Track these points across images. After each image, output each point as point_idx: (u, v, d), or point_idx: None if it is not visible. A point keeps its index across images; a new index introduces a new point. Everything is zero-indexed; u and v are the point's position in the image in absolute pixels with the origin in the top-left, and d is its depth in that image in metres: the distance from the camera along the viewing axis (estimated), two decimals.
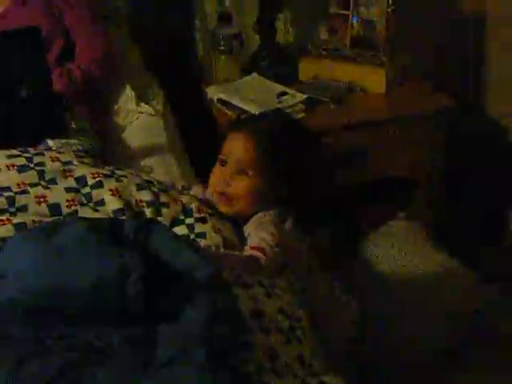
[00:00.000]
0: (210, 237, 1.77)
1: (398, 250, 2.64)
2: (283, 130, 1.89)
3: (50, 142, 2.02)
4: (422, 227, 2.78)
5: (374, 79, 2.86)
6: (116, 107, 2.61)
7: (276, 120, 1.97)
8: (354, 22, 2.88)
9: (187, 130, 2.71)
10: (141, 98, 2.64)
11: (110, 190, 1.79)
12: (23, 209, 1.72)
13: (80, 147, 2.04)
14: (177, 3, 3.03)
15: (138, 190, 1.83)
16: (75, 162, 1.86)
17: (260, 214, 1.86)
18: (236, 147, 1.85)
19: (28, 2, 2.55)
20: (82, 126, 2.29)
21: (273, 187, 1.85)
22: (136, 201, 1.80)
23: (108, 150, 2.36)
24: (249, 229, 1.85)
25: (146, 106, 2.61)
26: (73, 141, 2.07)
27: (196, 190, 2.00)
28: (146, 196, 1.82)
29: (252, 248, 1.75)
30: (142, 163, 2.33)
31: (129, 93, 2.62)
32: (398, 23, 2.87)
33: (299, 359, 1.51)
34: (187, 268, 1.48)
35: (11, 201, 1.72)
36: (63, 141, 2.04)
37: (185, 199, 1.88)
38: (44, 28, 2.24)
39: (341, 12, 2.91)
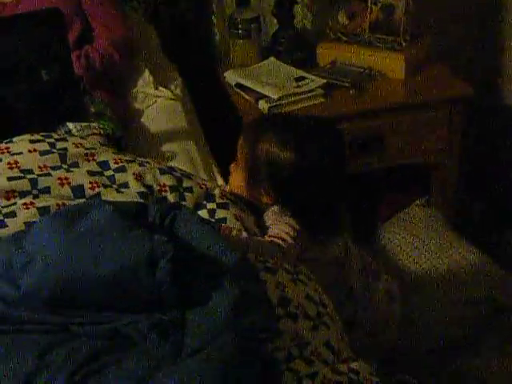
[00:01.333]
0: (231, 223, 1.76)
1: (416, 236, 2.63)
2: (271, 124, 1.88)
3: (71, 125, 2.01)
4: (440, 214, 2.77)
5: (393, 64, 2.83)
6: (134, 91, 2.59)
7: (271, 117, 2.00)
8: (373, 6, 2.85)
9: (205, 115, 2.69)
10: (159, 82, 2.62)
11: (134, 174, 1.77)
12: (46, 191, 1.70)
13: (101, 131, 2.02)
14: None
15: (161, 174, 1.81)
16: (98, 149, 1.84)
17: (275, 207, 1.86)
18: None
19: None
20: (100, 110, 2.27)
21: (255, 185, 1.85)
22: (159, 185, 1.78)
23: (128, 134, 2.34)
24: (267, 222, 1.85)
25: (164, 89, 2.59)
26: (93, 124, 2.05)
27: None
28: (169, 180, 1.80)
29: (271, 237, 1.76)
30: (163, 149, 2.30)
31: (147, 76, 2.60)
32: (417, 8, 2.84)
33: (327, 345, 1.49)
34: (214, 253, 1.46)
35: (34, 183, 1.70)
36: (84, 124, 2.03)
37: (209, 184, 1.86)
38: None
39: None
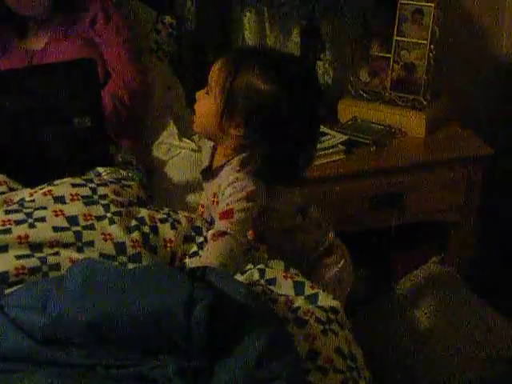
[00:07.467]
0: None
1: (431, 293, 2.64)
2: (255, 58, 1.82)
3: (101, 169, 2.04)
4: (455, 271, 2.78)
5: (413, 123, 2.86)
6: (158, 142, 2.60)
7: (256, 50, 1.97)
8: (395, 64, 2.89)
9: None
10: (183, 133, 2.64)
11: (164, 240, 1.84)
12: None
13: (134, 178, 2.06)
14: (218, 40, 3.03)
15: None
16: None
17: (230, 170, 1.84)
18: (211, 69, 1.86)
19: (68, 35, 2.56)
20: (127, 159, 2.29)
21: (229, 114, 1.80)
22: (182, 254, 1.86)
23: (151, 184, 2.36)
24: (222, 188, 1.84)
25: (188, 141, 2.60)
26: (121, 171, 2.08)
27: None
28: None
29: (220, 214, 1.77)
30: (187, 199, 2.32)
31: (171, 127, 2.62)
32: (439, 67, 2.88)
33: None
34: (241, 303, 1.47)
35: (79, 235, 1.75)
36: (112, 168, 2.06)
37: None
38: None
39: (382, 55, 2.92)
